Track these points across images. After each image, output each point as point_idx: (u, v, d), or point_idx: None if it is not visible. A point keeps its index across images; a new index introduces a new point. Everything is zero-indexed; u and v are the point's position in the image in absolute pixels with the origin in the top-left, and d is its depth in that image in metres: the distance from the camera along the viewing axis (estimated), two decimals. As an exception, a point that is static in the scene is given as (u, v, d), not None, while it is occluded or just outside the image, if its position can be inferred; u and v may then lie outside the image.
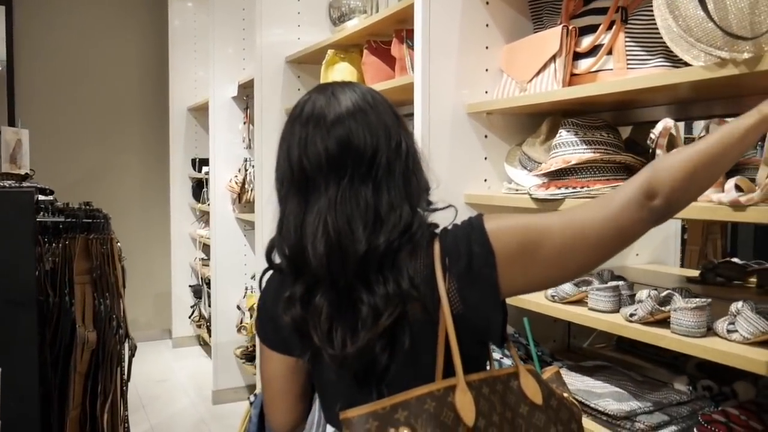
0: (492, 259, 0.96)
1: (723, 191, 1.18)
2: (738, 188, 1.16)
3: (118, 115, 5.12)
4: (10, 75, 4.62)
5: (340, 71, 2.68)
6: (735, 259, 1.92)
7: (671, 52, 1.53)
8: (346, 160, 0.97)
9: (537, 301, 1.63)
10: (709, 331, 1.29)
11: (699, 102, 1.64)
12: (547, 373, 1.15)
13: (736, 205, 1.16)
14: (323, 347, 0.98)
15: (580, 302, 1.57)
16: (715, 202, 1.19)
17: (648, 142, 1.34)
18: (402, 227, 0.97)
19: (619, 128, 1.72)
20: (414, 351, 0.98)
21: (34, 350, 1.79)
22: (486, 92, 1.90)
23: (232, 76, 3.94)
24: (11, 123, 4.45)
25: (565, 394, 1.08)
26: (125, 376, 2.01)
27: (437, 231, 1.05)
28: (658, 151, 1.34)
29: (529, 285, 1.03)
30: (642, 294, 1.40)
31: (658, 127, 1.32)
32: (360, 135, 0.97)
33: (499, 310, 1.00)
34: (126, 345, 1.98)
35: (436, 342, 0.96)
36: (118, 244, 2.01)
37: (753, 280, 1.82)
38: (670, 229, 2.28)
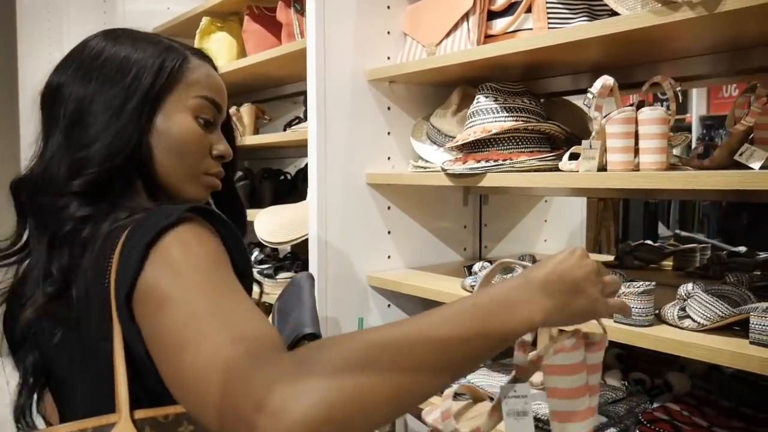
0: (131, 281, 0.68)
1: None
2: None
3: (-46, 102, 4.44)
4: None
5: (217, 42, 2.36)
6: (649, 241, 1.82)
7: (594, 10, 1.39)
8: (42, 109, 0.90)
9: (452, 291, 1.42)
10: (655, 318, 1.13)
11: (620, 68, 1.50)
12: None
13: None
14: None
15: (502, 292, 1.38)
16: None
17: (584, 103, 1.16)
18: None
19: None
20: (88, 372, 0.79)
21: None
22: (388, 58, 1.67)
23: (92, 54, 3.47)
24: None
25: None
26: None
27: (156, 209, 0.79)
28: (595, 114, 1.17)
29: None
30: (576, 279, 1.23)
31: (596, 86, 1.15)
32: (52, 81, 0.88)
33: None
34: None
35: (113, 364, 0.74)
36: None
37: (669, 262, 1.72)
38: (576, 215, 2.17)
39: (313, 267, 1.61)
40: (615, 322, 1.13)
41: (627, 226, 3.17)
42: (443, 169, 1.42)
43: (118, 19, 2.77)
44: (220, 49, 2.35)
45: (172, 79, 0.88)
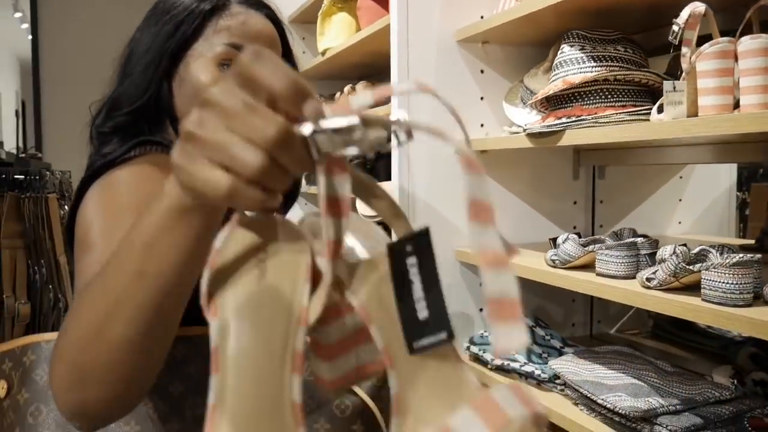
0: (71, 215, 0.73)
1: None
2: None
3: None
4: (36, 66, 4.46)
5: (338, 23, 2.37)
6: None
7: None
8: None
9: (532, 266, 1.27)
10: (758, 299, 0.91)
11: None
12: None
13: None
14: None
15: (589, 267, 1.21)
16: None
17: (670, 38, 0.97)
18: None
19: (656, 58, 1.34)
20: None
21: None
22: (482, 17, 1.55)
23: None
24: (37, 118, 4.31)
25: None
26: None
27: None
28: (684, 50, 0.97)
29: None
30: (665, 251, 1.03)
31: (683, 15, 0.96)
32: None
33: None
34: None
35: None
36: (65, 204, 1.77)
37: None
38: (721, 195, 1.87)
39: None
40: (703, 300, 0.93)
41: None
42: (523, 129, 1.28)
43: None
44: (341, 29, 2.36)
45: (200, 24, 0.86)
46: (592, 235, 1.69)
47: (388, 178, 2.19)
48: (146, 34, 0.87)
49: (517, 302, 0.32)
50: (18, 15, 4.60)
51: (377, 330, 0.38)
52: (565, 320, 1.70)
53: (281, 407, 0.35)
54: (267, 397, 0.35)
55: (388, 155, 2.31)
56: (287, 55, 0.95)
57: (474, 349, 1.48)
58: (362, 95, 0.38)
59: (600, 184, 1.69)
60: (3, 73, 4.30)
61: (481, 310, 1.60)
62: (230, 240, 0.40)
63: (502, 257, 0.33)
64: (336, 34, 2.36)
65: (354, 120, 0.35)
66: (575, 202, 1.68)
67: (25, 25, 4.54)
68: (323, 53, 2.37)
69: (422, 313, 0.38)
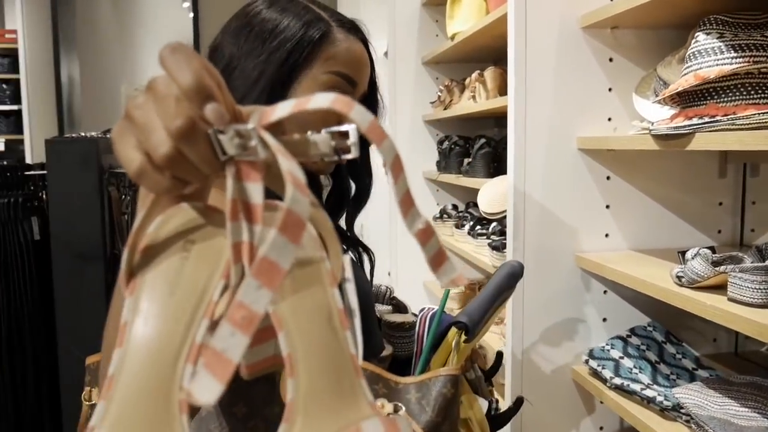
0: None
1: None
2: None
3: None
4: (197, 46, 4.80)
5: (468, 5, 2.27)
6: None
7: None
8: None
9: (658, 283, 1.14)
10: None
11: None
12: None
13: None
14: None
15: (720, 288, 1.06)
16: None
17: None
18: None
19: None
20: None
21: (102, 309, 1.71)
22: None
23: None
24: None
25: None
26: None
27: None
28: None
29: None
30: (811, 280, 0.87)
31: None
32: (215, 40, 0.91)
33: None
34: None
35: None
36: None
37: None
38: None
39: (509, 244, 1.46)
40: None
41: None
42: (649, 130, 1.14)
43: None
44: (470, 12, 2.26)
45: (309, 53, 0.85)
46: (741, 241, 1.50)
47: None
48: (250, 57, 0.86)
49: (233, 365, 0.32)
50: (186, 5, 4.97)
51: (284, 336, 0.39)
52: (705, 334, 1.52)
53: (169, 393, 0.36)
54: (157, 379, 0.36)
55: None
56: (374, 79, 0.92)
57: (593, 363, 1.37)
58: (282, 106, 0.40)
59: (752, 183, 1.48)
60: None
61: (604, 320, 1.48)
62: (164, 223, 0.42)
63: (250, 321, 0.32)
64: (466, 18, 2.27)
65: (248, 127, 0.38)
66: (721, 203, 1.49)
67: (192, 14, 4.89)
68: (452, 38, 2.29)
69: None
